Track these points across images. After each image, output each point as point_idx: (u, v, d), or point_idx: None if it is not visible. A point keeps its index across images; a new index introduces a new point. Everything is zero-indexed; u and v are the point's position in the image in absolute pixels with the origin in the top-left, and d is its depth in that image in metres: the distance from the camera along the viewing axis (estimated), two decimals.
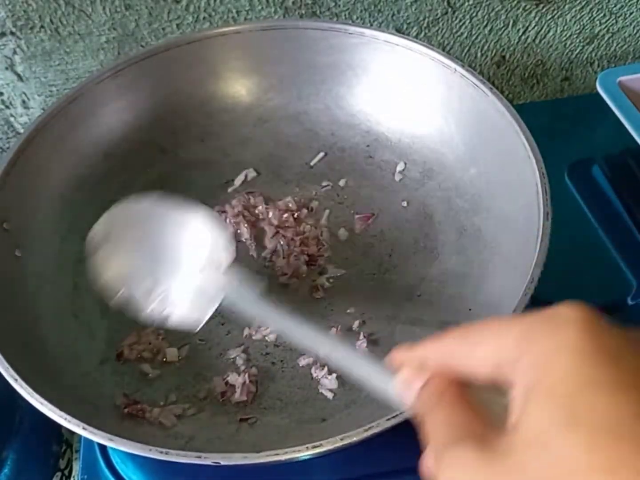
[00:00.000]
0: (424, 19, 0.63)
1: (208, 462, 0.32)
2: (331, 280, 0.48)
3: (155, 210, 0.39)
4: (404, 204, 0.52)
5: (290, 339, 0.32)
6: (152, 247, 0.39)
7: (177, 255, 0.38)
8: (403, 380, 0.25)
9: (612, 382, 0.18)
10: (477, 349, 0.22)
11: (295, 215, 0.51)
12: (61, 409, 0.34)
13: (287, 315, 0.32)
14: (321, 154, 0.55)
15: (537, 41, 0.67)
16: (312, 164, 0.55)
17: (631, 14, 0.66)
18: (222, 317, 0.46)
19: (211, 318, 0.46)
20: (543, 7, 0.64)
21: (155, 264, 0.38)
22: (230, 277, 0.36)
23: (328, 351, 0.31)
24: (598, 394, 0.18)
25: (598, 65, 0.71)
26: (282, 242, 0.50)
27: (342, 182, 0.54)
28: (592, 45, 0.69)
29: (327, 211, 0.52)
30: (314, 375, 0.43)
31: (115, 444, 0.33)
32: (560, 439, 0.17)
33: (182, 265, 0.38)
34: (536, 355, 0.19)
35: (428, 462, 0.22)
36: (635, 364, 0.18)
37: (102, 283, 0.38)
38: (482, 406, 0.23)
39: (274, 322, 0.34)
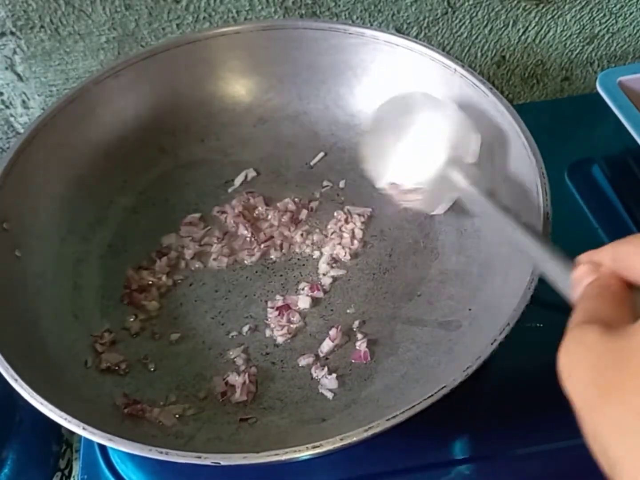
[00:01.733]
0: (424, 19, 0.63)
1: (208, 462, 0.32)
2: (331, 280, 0.48)
3: (422, 105, 0.47)
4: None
5: (507, 235, 0.37)
6: (412, 137, 0.48)
7: (429, 147, 0.46)
8: (577, 275, 0.27)
9: None
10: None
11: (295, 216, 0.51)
12: (61, 409, 0.34)
13: (506, 213, 0.38)
14: (321, 154, 0.55)
15: (537, 41, 0.67)
16: (312, 164, 0.55)
17: (631, 13, 0.66)
18: (222, 317, 0.46)
19: (211, 318, 0.46)
20: (543, 7, 0.64)
21: (411, 153, 0.48)
22: (468, 174, 0.43)
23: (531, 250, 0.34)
24: None
25: (598, 65, 0.71)
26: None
27: (342, 182, 0.54)
28: (592, 45, 0.69)
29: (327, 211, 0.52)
30: (314, 375, 0.43)
31: (115, 444, 0.33)
32: None
33: (432, 157, 0.46)
34: None
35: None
36: None
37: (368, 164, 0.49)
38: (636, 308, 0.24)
39: (494, 220, 0.39)
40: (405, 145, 0.48)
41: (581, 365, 0.21)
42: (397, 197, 0.48)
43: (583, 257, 0.27)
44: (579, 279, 0.27)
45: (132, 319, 0.46)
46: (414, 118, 0.48)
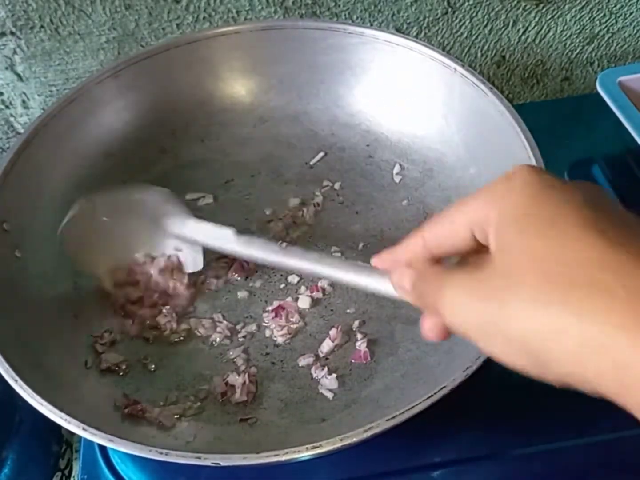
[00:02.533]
0: (424, 19, 0.63)
1: (208, 462, 0.32)
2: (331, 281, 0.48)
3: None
4: (404, 203, 0.52)
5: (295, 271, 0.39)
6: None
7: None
8: (397, 281, 0.30)
9: (551, 198, 0.24)
10: (452, 222, 0.27)
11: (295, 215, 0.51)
12: (61, 409, 0.34)
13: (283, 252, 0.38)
14: (321, 154, 0.55)
15: (537, 41, 0.67)
16: (312, 163, 0.55)
17: (631, 13, 0.66)
18: (223, 317, 0.46)
19: (211, 317, 0.46)
20: (543, 7, 0.64)
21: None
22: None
23: (319, 270, 0.36)
24: (541, 205, 0.23)
25: (598, 65, 0.71)
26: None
27: (342, 182, 0.54)
28: (592, 45, 0.69)
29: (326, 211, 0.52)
30: (314, 375, 0.43)
31: (115, 445, 0.33)
32: (519, 241, 0.23)
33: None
34: (496, 200, 0.25)
35: (424, 323, 0.28)
36: (574, 191, 0.24)
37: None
38: None
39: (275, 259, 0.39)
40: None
41: (471, 297, 0.24)
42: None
43: (380, 258, 0.31)
44: (399, 280, 0.29)
45: (130, 323, 0.46)
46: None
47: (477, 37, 0.66)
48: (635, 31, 0.68)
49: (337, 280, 0.36)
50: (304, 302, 0.46)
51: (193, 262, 0.47)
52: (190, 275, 0.47)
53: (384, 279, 0.31)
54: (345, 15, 0.61)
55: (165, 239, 0.46)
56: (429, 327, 0.28)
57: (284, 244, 0.38)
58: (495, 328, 0.23)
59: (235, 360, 0.44)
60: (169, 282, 0.46)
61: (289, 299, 0.47)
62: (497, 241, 0.24)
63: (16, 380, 0.35)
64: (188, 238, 0.45)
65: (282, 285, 0.48)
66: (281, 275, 0.48)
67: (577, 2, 0.64)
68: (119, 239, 0.46)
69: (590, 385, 0.21)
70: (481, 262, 0.24)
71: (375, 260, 0.32)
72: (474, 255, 0.27)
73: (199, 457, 0.32)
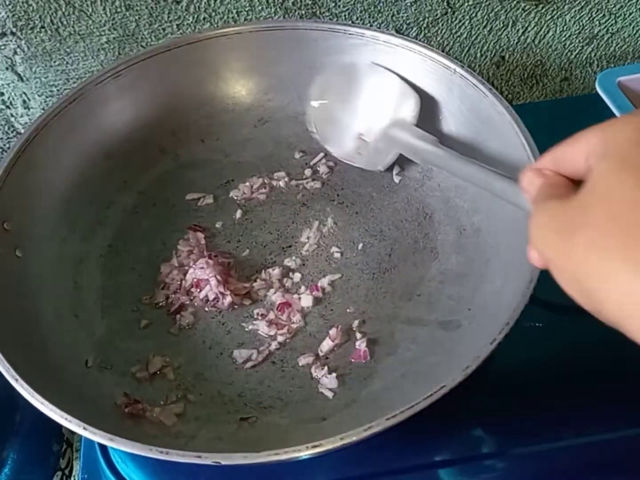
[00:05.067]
0: (423, 20, 0.63)
1: (208, 462, 0.32)
2: (331, 281, 0.48)
3: (364, 73, 0.53)
4: (404, 203, 0.52)
5: (455, 173, 0.43)
6: (356, 103, 0.53)
7: (372, 111, 0.52)
8: (525, 182, 0.30)
9: None
10: (573, 147, 0.27)
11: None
12: (62, 409, 0.34)
13: (449, 157, 0.44)
14: (321, 154, 0.55)
15: (536, 42, 0.67)
16: (312, 163, 0.55)
17: (630, 14, 0.66)
18: (222, 317, 0.47)
19: (211, 317, 0.46)
20: (542, 8, 0.64)
21: (354, 117, 0.53)
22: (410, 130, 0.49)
23: (474, 177, 0.40)
24: None
25: (597, 66, 0.72)
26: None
27: (342, 183, 0.54)
28: (592, 46, 0.69)
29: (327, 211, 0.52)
30: (314, 374, 0.43)
31: (115, 444, 0.33)
32: (606, 179, 0.23)
33: (374, 119, 0.52)
34: (607, 133, 0.25)
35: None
36: None
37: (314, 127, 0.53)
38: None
39: (442, 162, 0.45)
40: (351, 110, 0.53)
41: (548, 226, 0.25)
42: (345, 154, 0.53)
43: (526, 169, 0.31)
44: (528, 184, 0.30)
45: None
46: (358, 85, 0.53)
47: (476, 38, 0.66)
48: (634, 31, 0.68)
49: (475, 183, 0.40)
50: (306, 301, 0.46)
51: (373, 162, 0.51)
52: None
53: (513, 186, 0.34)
54: (345, 16, 0.61)
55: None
56: (532, 255, 0.29)
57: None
58: (561, 258, 0.24)
59: (235, 359, 0.44)
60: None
61: (295, 295, 0.47)
62: (595, 170, 0.24)
63: (17, 380, 0.35)
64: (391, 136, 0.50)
65: (283, 284, 0.48)
66: (283, 275, 0.49)
67: (577, 2, 0.64)
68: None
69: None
70: (577, 193, 0.24)
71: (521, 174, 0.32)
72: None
73: (200, 456, 0.32)
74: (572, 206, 0.24)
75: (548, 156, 0.29)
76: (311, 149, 0.56)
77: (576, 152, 0.27)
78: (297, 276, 0.48)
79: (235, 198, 0.53)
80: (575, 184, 0.28)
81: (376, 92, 0.52)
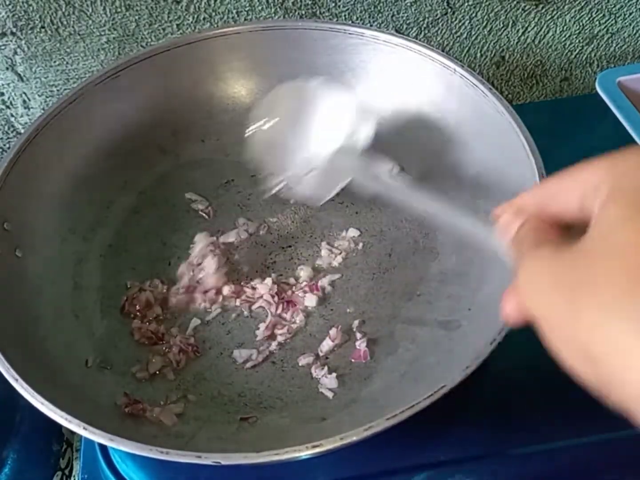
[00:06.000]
0: (423, 20, 0.63)
1: (208, 461, 0.32)
2: (331, 281, 0.48)
3: (310, 92, 0.46)
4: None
5: (414, 208, 0.38)
6: (300, 124, 0.46)
7: (319, 134, 0.46)
8: (503, 223, 0.27)
9: None
10: (566, 188, 0.24)
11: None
12: (62, 409, 0.34)
13: (409, 188, 0.38)
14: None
15: (536, 42, 0.67)
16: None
17: (630, 14, 0.66)
18: (222, 317, 0.47)
19: (212, 317, 0.46)
20: (542, 8, 0.64)
21: (300, 140, 0.46)
22: (361, 160, 0.43)
23: (437, 212, 0.35)
24: None
25: (597, 66, 0.72)
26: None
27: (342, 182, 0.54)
28: (592, 46, 0.69)
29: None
30: (314, 374, 0.43)
31: (115, 444, 0.33)
32: (621, 229, 0.19)
33: (321, 144, 0.45)
34: (615, 172, 0.21)
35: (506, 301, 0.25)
36: None
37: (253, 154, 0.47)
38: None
39: (400, 195, 0.39)
40: (298, 132, 0.47)
41: (545, 280, 0.21)
42: (286, 188, 0.47)
43: (501, 207, 0.28)
44: (505, 226, 0.27)
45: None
46: (308, 106, 0.47)
47: (476, 38, 0.66)
48: (634, 31, 0.68)
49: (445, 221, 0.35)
50: (310, 301, 0.46)
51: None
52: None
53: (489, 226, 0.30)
54: (345, 16, 0.61)
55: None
56: (510, 308, 0.25)
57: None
58: (564, 321, 0.20)
59: (235, 359, 0.44)
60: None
61: (299, 292, 0.47)
62: (599, 217, 0.21)
63: (17, 380, 0.35)
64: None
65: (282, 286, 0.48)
66: (280, 274, 0.49)
67: (577, 2, 0.64)
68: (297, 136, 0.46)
69: None
70: (574, 243, 0.21)
71: (496, 210, 0.29)
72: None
73: (200, 456, 0.32)
74: (574, 257, 0.21)
75: (534, 192, 0.26)
76: None
77: (570, 189, 0.24)
78: (297, 276, 0.48)
79: (235, 198, 0.54)
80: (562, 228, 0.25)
81: (328, 114, 0.46)
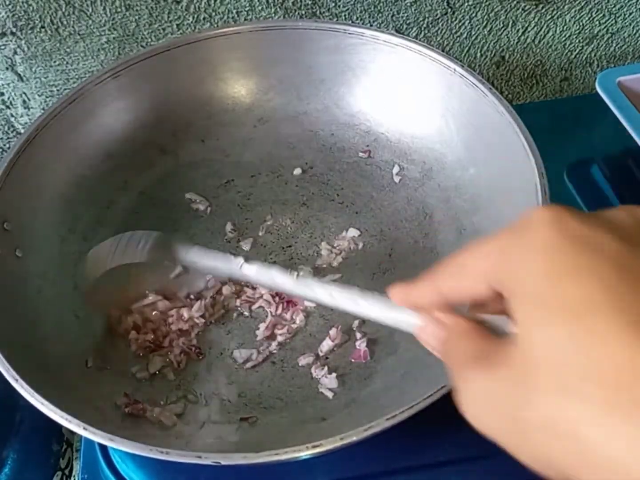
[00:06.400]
0: (423, 20, 0.63)
1: (208, 462, 0.32)
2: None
3: None
4: (404, 203, 0.52)
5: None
6: None
7: None
8: (425, 336, 0.27)
9: (577, 268, 0.19)
10: (463, 276, 0.23)
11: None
12: (62, 409, 0.34)
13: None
14: (321, 155, 0.55)
15: (536, 41, 0.67)
16: (312, 164, 0.55)
17: (630, 14, 0.66)
18: (222, 317, 0.47)
19: (212, 317, 0.46)
20: (542, 8, 0.64)
21: None
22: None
23: (333, 302, 0.33)
24: (564, 283, 0.19)
25: (597, 66, 0.72)
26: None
27: (342, 182, 0.54)
28: (592, 46, 0.69)
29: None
30: (314, 374, 0.43)
31: (115, 444, 0.33)
32: (540, 337, 0.19)
33: None
34: (512, 264, 0.21)
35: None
36: (603, 248, 0.19)
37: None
38: (483, 323, 0.25)
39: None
40: None
41: (488, 405, 0.21)
42: None
43: (398, 295, 0.27)
44: (428, 338, 0.27)
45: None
46: None
47: (476, 38, 0.66)
48: (634, 31, 0.68)
49: (353, 313, 0.32)
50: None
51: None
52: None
53: (403, 314, 0.29)
54: (345, 15, 0.61)
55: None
56: None
57: (296, 274, 0.36)
58: (516, 442, 0.21)
59: (235, 359, 0.44)
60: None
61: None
62: (520, 325, 0.20)
63: (17, 380, 0.35)
64: (197, 265, 0.41)
65: None
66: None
67: (577, 2, 0.64)
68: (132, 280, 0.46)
69: None
70: (502, 351, 0.21)
71: (392, 295, 0.28)
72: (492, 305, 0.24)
73: (200, 456, 0.32)
74: (508, 376, 0.20)
75: (428, 286, 0.26)
76: (311, 149, 0.56)
77: (471, 283, 0.23)
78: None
79: (235, 198, 0.54)
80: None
81: None
